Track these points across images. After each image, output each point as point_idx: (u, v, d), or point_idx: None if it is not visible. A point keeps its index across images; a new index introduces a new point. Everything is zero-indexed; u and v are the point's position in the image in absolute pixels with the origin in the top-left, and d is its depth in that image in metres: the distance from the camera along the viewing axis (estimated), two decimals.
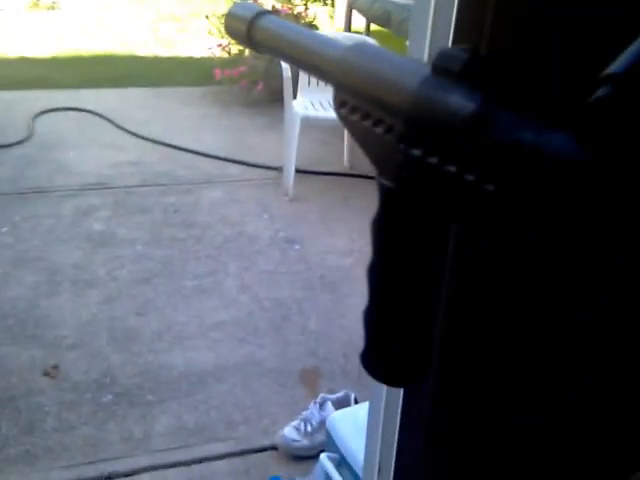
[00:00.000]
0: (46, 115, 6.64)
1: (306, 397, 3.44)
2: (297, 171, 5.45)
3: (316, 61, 0.91)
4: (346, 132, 5.78)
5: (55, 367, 3.65)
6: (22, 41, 8.76)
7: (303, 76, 5.73)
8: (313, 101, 5.67)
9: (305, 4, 9.03)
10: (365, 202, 5.37)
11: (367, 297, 0.87)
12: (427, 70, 0.72)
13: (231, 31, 1.10)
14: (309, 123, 5.46)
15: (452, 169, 0.69)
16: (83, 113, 6.74)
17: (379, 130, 0.78)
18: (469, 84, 0.70)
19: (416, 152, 0.73)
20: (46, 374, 3.61)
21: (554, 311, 0.93)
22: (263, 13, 1.05)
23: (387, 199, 0.85)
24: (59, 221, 5.02)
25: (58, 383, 3.56)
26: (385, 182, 0.82)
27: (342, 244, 4.91)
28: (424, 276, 0.87)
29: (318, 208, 5.38)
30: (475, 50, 0.73)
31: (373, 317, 0.93)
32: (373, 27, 7.16)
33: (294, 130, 5.35)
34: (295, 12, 7.85)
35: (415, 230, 0.82)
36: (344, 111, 0.84)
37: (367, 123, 0.80)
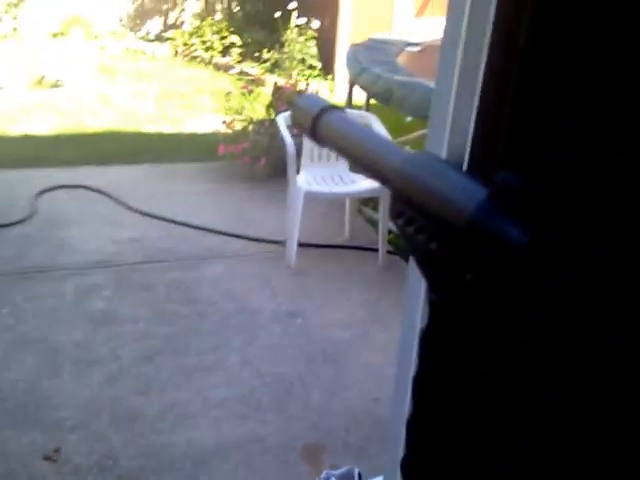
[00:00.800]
0: (49, 193, 6.67)
1: (310, 474, 3.40)
2: (299, 244, 5.48)
3: (377, 166, 0.94)
4: (347, 205, 5.85)
5: (56, 450, 3.62)
6: (25, 119, 8.85)
7: (306, 152, 5.79)
8: (316, 176, 5.71)
9: (306, 79, 9.17)
10: (366, 274, 5.39)
11: (413, 406, 0.90)
12: (483, 194, 0.74)
13: (296, 123, 1.15)
14: (312, 198, 5.50)
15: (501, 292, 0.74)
16: (86, 190, 6.77)
17: (433, 246, 0.80)
18: (523, 216, 0.73)
19: (467, 275, 0.76)
20: (47, 458, 3.58)
21: (589, 336, 0.92)
22: (328, 109, 1.09)
23: (437, 313, 0.87)
24: (61, 300, 5.02)
25: (59, 467, 3.53)
26: (436, 297, 0.85)
27: (344, 317, 4.90)
28: (470, 386, 0.90)
29: (320, 281, 5.38)
30: (529, 180, 0.75)
31: (419, 427, 0.96)
32: (373, 101, 7.22)
33: (297, 204, 5.39)
34: (297, 87, 7.93)
35: (463, 343, 0.86)
36: (400, 221, 0.86)
37: (421, 237, 0.82)
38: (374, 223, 5.84)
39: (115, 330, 4.68)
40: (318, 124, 1.08)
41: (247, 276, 5.44)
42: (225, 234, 5.99)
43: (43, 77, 10.43)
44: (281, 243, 5.68)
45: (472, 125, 1.06)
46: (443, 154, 1.17)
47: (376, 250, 5.54)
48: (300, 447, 3.69)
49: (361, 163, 1.02)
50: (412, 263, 1.35)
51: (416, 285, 1.34)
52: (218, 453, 3.64)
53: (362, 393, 4.01)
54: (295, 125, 1.17)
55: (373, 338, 4.46)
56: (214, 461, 3.60)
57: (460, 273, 0.77)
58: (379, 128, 5.67)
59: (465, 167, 1.06)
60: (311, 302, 5.10)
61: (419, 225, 0.82)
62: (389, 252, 5.44)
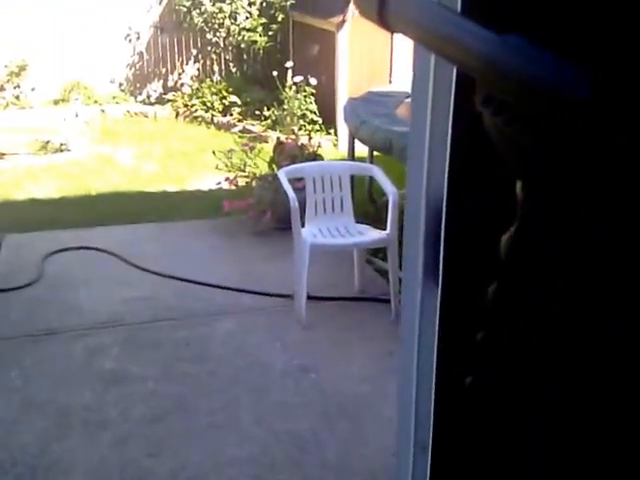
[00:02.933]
0: (56, 255, 6.59)
1: None
2: (308, 297, 5.36)
3: (461, 56, 0.87)
4: (355, 256, 5.73)
5: None
6: (31, 183, 8.83)
7: (310, 205, 5.72)
8: (321, 228, 5.62)
9: (308, 134, 9.13)
10: (379, 326, 5.26)
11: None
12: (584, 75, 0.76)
13: (361, 9, 1.02)
14: (318, 250, 5.43)
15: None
16: (93, 251, 6.69)
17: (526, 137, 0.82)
18: None
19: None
20: None
21: (589, 319, 0.95)
22: None
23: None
24: (70, 361, 4.93)
25: None
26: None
27: (357, 370, 4.78)
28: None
29: (331, 334, 5.27)
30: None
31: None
32: (377, 153, 7.19)
33: (304, 257, 5.29)
34: (299, 142, 7.88)
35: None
36: (488, 108, 0.84)
37: (514, 127, 0.83)
38: (384, 273, 5.72)
39: (124, 390, 4.57)
40: (387, 6, 0.95)
41: (257, 331, 5.33)
42: (234, 290, 5.88)
43: (47, 142, 10.44)
44: (290, 297, 5.56)
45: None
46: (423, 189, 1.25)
47: (388, 301, 5.41)
48: None
49: (442, 50, 0.93)
50: (406, 303, 1.42)
51: (410, 327, 1.38)
52: None
53: (380, 449, 3.86)
54: (360, 11, 1.02)
55: (389, 392, 4.30)
56: None
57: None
58: (383, 179, 5.60)
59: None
60: (323, 356, 4.98)
61: (510, 112, 0.82)
62: (401, 302, 5.29)
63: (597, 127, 0.77)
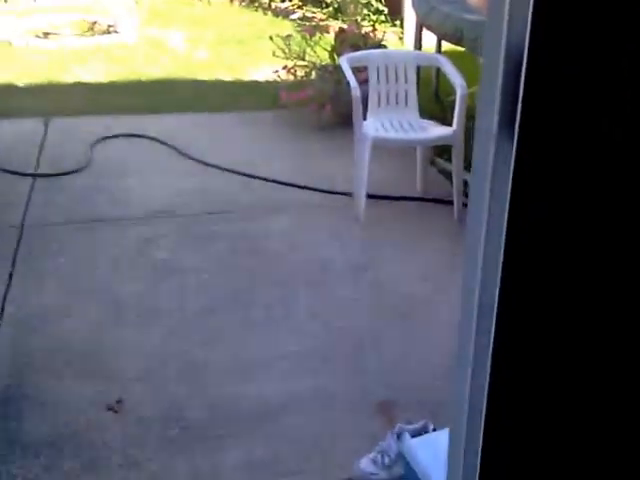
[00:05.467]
0: (105, 142, 6.74)
1: (383, 428, 3.42)
2: (368, 196, 5.45)
3: None
4: (419, 155, 5.81)
5: (119, 401, 3.69)
6: (77, 66, 8.93)
7: (373, 96, 5.75)
8: (384, 122, 5.67)
9: (373, 25, 9.08)
10: (440, 227, 5.36)
11: None
12: None
13: None
14: (380, 145, 5.48)
15: None
16: (144, 139, 6.83)
17: None
18: None
19: None
20: (110, 409, 3.66)
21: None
22: None
23: None
24: (121, 250, 5.10)
25: (122, 417, 3.60)
26: None
27: (416, 270, 4.91)
28: None
29: (391, 233, 5.38)
30: None
31: None
32: (445, 46, 7.15)
33: (365, 153, 5.37)
34: (363, 32, 7.86)
35: None
36: None
37: None
38: (448, 175, 5.79)
39: (178, 281, 4.75)
40: None
41: (315, 228, 5.46)
42: (291, 185, 6.01)
43: (94, 23, 10.50)
44: (349, 194, 5.67)
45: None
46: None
47: (451, 203, 5.50)
48: (373, 402, 3.72)
49: None
50: (471, 218, 1.46)
51: (475, 241, 1.44)
52: (286, 407, 3.69)
53: (439, 349, 3.99)
54: None
55: (449, 292, 4.42)
56: (283, 414, 3.64)
57: None
58: (451, 71, 5.60)
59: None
60: (382, 255, 5.11)
61: None
62: (464, 204, 5.37)
63: None
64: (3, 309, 4.39)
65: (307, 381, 3.86)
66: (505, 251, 1.36)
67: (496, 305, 1.39)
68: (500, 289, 1.38)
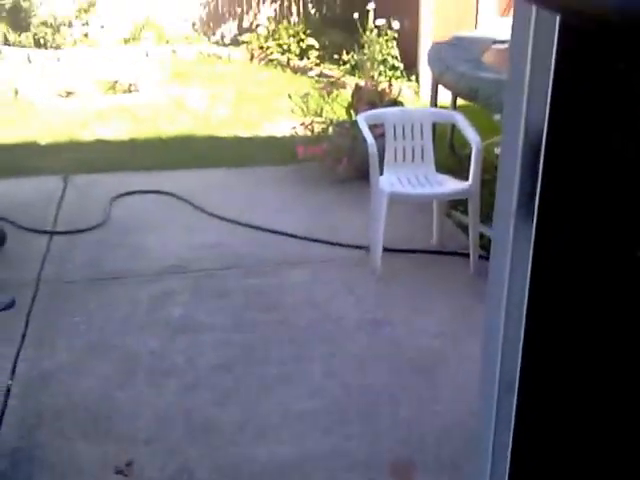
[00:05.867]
0: (123, 198, 6.72)
1: None
2: (384, 249, 5.37)
3: (587, 7, 0.86)
4: (435, 208, 5.72)
5: (129, 464, 3.57)
6: (99, 124, 8.96)
7: (389, 152, 5.71)
8: (400, 177, 5.61)
9: (389, 80, 9.07)
10: (456, 281, 5.26)
11: None
12: None
13: None
14: (396, 200, 5.42)
15: None
16: (161, 195, 6.80)
17: None
18: None
19: None
20: (119, 472, 3.53)
21: None
22: None
23: None
24: (136, 307, 5.02)
25: None
26: None
27: (434, 325, 4.79)
28: None
29: (406, 288, 5.28)
30: None
31: None
32: (460, 101, 7.12)
33: (381, 207, 5.31)
34: (379, 88, 7.84)
35: None
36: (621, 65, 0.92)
37: None
38: (464, 227, 5.71)
39: (192, 338, 4.65)
40: None
41: (330, 282, 5.36)
42: (306, 239, 5.94)
43: (116, 82, 10.56)
44: (365, 248, 5.59)
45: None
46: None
47: (467, 255, 5.41)
48: (388, 463, 3.58)
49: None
50: (495, 264, 1.45)
51: (498, 289, 1.43)
52: (300, 468, 3.57)
53: (455, 406, 3.88)
54: None
55: (466, 348, 4.32)
56: (296, 476, 3.52)
57: None
58: (466, 127, 5.56)
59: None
60: (398, 310, 5.00)
61: None
62: (481, 257, 5.29)
63: None
64: (15, 369, 4.30)
65: (322, 441, 3.73)
66: (526, 331, 1.35)
67: (518, 377, 1.37)
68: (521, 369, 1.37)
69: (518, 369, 1.39)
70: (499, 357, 1.45)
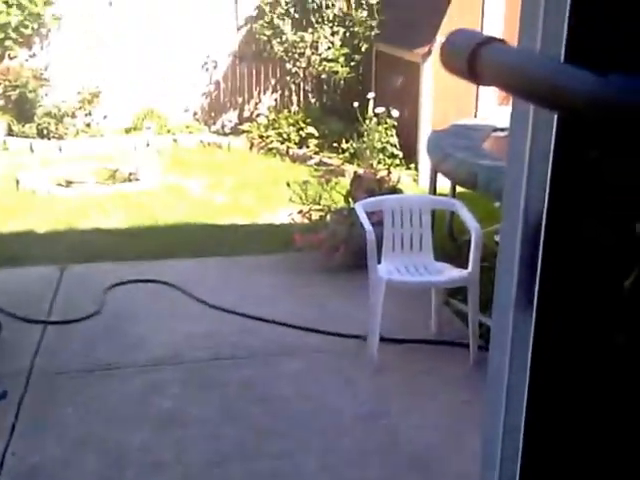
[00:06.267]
0: (118, 288, 6.60)
1: None
2: (382, 339, 5.23)
3: (562, 100, 0.92)
4: (433, 296, 5.58)
5: None
6: (97, 213, 8.90)
7: (387, 240, 5.63)
8: (398, 266, 5.51)
9: (388, 168, 9.02)
10: (456, 372, 5.10)
11: None
12: None
13: (447, 62, 1.08)
14: (394, 287, 5.29)
15: None
16: (157, 284, 6.69)
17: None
18: None
19: None
20: None
21: None
22: (487, 41, 1.01)
23: None
24: (127, 399, 4.90)
25: None
26: None
27: (432, 419, 4.65)
28: None
29: (405, 379, 5.13)
30: None
31: None
32: (459, 189, 7.06)
33: (379, 296, 5.19)
34: (378, 176, 7.79)
35: None
36: (594, 153, 0.96)
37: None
38: (463, 316, 5.56)
39: (182, 432, 4.50)
40: (476, 59, 1.00)
41: (326, 373, 5.21)
42: (302, 328, 5.79)
43: (116, 171, 10.54)
44: (362, 338, 5.44)
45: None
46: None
47: (466, 345, 5.26)
48: None
49: (537, 93, 0.98)
50: (494, 357, 1.42)
51: (498, 380, 1.38)
52: None
53: None
54: (445, 64, 1.09)
55: (465, 444, 4.15)
56: None
57: None
58: (466, 215, 5.47)
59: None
60: (396, 403, 4.85)
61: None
62: (480, 347, 5.15)
63: None
64: (3, 462, 4.17)
65: None
66: (525, 427, 1.31)
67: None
68: None
69: (519, 465, 1.33)
70: (499, 454, 1.39)
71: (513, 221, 1.29)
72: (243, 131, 12.38)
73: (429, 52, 10.13)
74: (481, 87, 10.18)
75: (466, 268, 5.27)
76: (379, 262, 5.44)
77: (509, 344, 1.32)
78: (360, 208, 5.63)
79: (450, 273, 5.46)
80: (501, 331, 1.34)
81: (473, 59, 1.00)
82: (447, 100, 10.05)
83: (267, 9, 12.40)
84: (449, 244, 7.00)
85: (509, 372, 1.33)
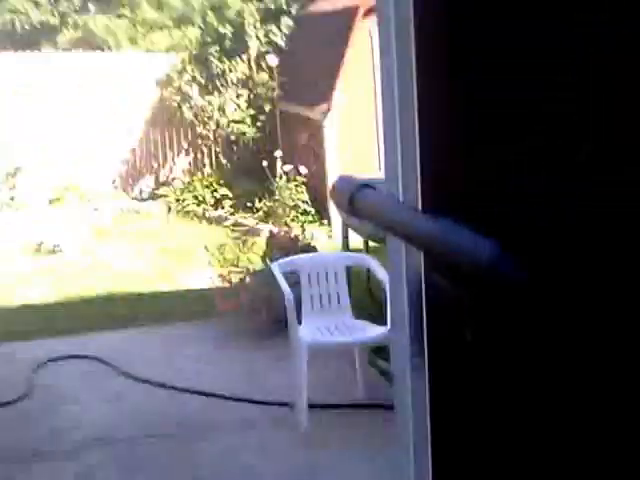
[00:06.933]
0: (46, 366, 6.19)
1: None
2: (310, 405, 4.86)
3: (409, 230, 1.17)
4: (357, 356, 5.27)
5: None
6: (23, 287, 8.53)
7: (306, 300, 5.34)
8: (319, 326, 5.22)
9: (302, 226, 8.80)
10: (388, 435, 4.74)
11: None
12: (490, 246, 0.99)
13: (336, 201, 1.32)
14: (316, 350, 5.02)
15: None
16: (84, 360, 6.30)
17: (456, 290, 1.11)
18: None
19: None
20: None
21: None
22: (363, 187, 1.27)
23: None
24: None
25: None
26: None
27: None
28: None
29: (334, 447, 4.73)
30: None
31: None
32: (372, 244, 6.86)
33: (302, 360, 4.87)
34: (292, 235, 7.56)
35: None
36: (433, 275, 1.17)
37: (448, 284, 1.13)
38: (389, 376, 5.20)
39: None
40: (355, 200, 1.26)
41: (255, 445, 4.84)
42: (229, 398, 5.42)
43: (41, 244, 10.13)
44: (289, 405, 5.08)
45: None
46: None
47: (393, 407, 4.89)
48: None
49: (394, 229, 1.23)
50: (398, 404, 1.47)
51: (404, 429, 1.43)
52: None
53: None
54: (336, 205, 1.34)
55: None
56: None
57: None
58: (377, 269, 5.24)
59: None
60: (326, 473, 4.51)
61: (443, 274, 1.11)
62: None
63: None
64: None
65: None
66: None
67: None
68: None
69: None
70: None
71: (399, 277, 1.36)
72: (160, 195, 12.08)
73: (329, 109, 9.97)
74: (382, 140, 10.08)
75: (386, 324, 4.98)
76: (300, 322, 5.14)
77: (410, 389, 1.37)
78: (277, 269, 5.34)
79: (370, 331, 5.17)
80: (401, 376, 1.40)
81: (351, 201, 1.27)
82: (352, 154, 9.87)
83: (175, 76, 12.25)
84: (368, 300, 6.67)
85: (413, 417, 1.37)
